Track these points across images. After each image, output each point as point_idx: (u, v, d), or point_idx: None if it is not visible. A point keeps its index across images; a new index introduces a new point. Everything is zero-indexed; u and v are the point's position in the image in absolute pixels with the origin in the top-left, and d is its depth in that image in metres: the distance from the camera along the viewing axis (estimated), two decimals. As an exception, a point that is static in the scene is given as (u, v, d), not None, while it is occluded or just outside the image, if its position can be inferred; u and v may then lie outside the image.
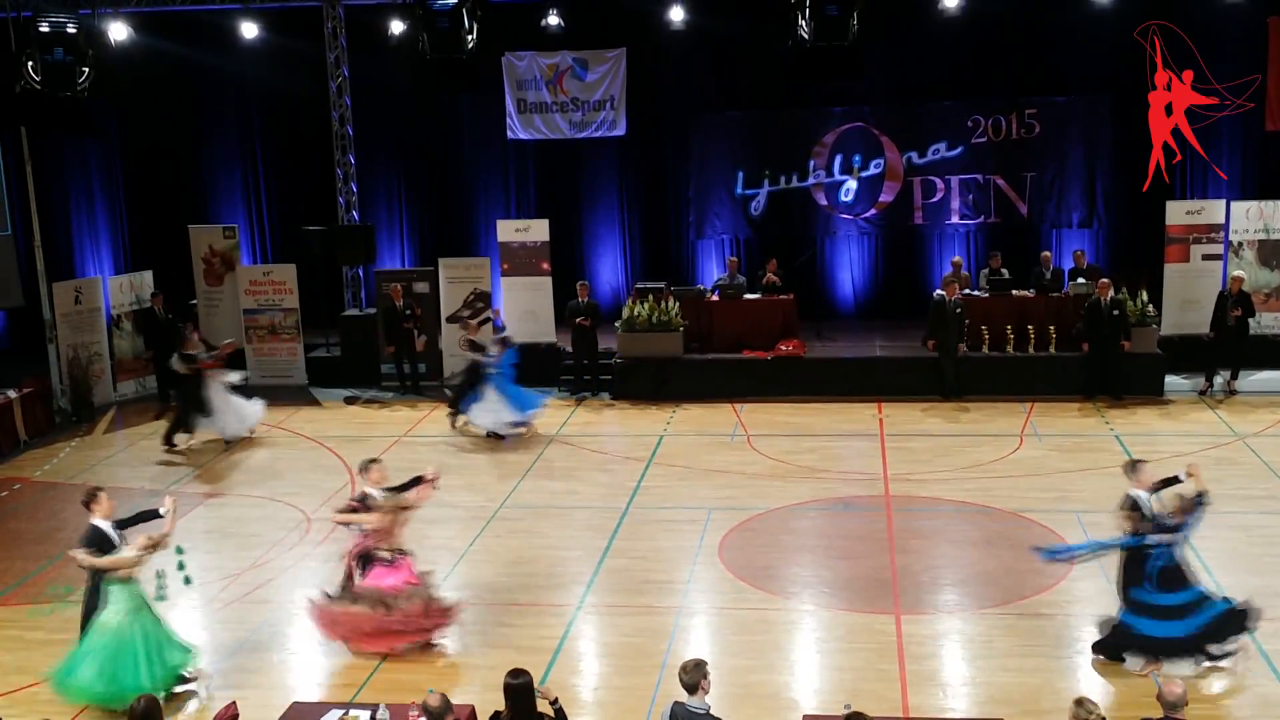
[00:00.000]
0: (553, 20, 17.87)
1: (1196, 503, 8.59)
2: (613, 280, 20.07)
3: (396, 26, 17.72)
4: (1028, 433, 14.63)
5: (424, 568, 9.67)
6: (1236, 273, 16.19)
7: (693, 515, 12.21)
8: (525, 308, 17.92)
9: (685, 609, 10.11)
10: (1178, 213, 17.12)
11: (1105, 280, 15.86)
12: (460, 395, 15.60)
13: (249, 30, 18.23)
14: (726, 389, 16.63)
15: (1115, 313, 15.60)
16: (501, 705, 6.68)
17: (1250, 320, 15.86)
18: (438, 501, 11.07)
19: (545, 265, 17.98)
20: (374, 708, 7.34)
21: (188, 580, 9.14)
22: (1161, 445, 13.64)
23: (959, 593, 10.24)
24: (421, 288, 18.08)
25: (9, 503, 13.61)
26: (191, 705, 8.71)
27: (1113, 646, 8.76)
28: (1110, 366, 15.76)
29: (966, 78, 18.58)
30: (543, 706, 6.67)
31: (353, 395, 17.70)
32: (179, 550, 8.99)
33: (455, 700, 6.81)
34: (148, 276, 18.66)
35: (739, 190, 19.43)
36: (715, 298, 17.48)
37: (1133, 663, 8.70)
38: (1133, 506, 8.86)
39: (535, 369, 17.43)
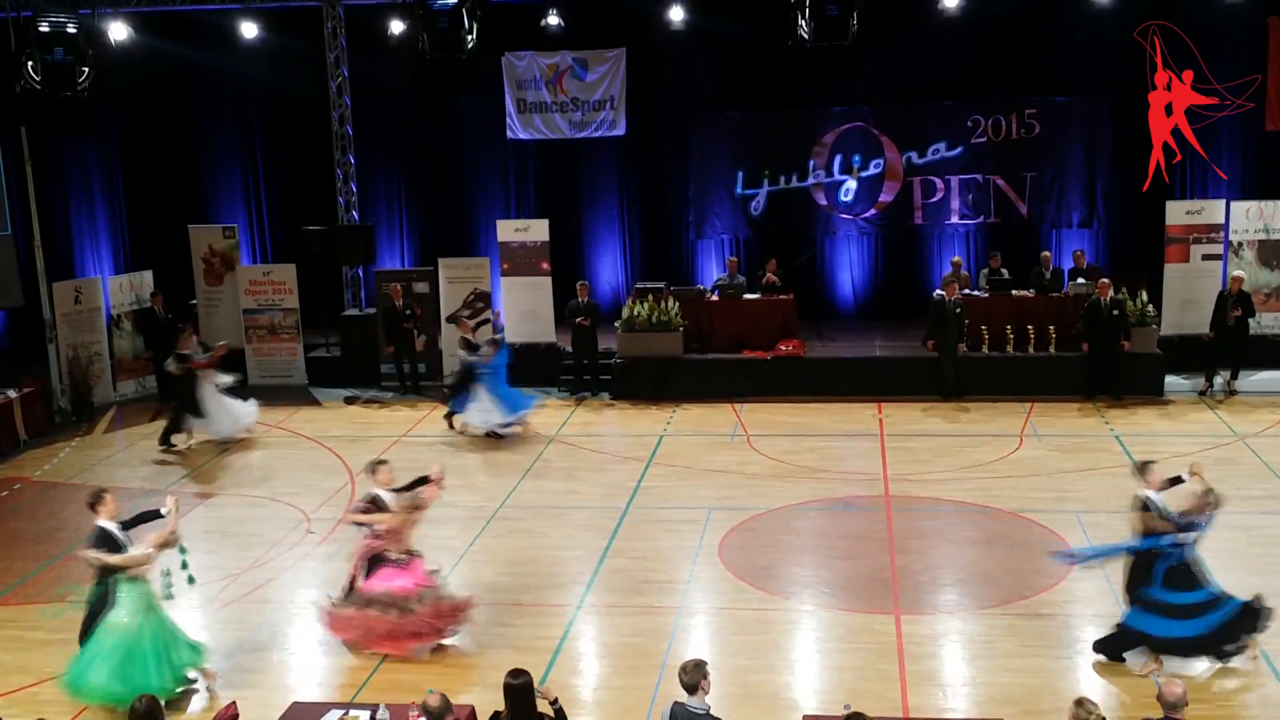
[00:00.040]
0: (553, 20, 17.87)
1: (1212, 501, 8.60)
2: (613, 280, 20.07)
3: (396, 26, 17.72)
4: (1028, 433, 14.63)
5: (429, 568, 9.67)
6: (1236, 273, 16.20)
7: (693, 515, 12.21)
8: (525, 308, 17.92)
9: (685, 609, 10.11)
10: (1178, 213, 17.12)
11: (1105, 280, 15.85)
12: (454, 395, 15.62)
13: (249, 30, 18.23)
14: (726, 389, 16.63)
15: (1115, 313, 15.61)
16: (501, 705, 6.68)
17: (1250, 320, 15.86)
18: (438, 501, 11.05)
19: (545, 265, 17.98)
20: (374, 708, 7.34)
21: (191, 579, 9.16)
22: (1161, 445, 13.64)
23: (959, 593, 10.24)
24: (421, 288, 18.08)
25: (9, 503, 13.61)
26: (194, 704, 8.71)
27: (1116, 646, 8.75)
28: (1110, 366, 15.76)
29: (966, 78, 18.58)
30: (543, 706, 6.67)
31: (353, 395, 17.70)
32: (182, 550, 9.01)
33: (455, 700, 6.81)
34: (148, 276, 18.66)
35: (739, 190, 19.43)
36: (715, 298, 17.48)
37: (1133, 662, 8.70)
38: (1144, 507, 8.86)
39: (535, 369, 17.49)
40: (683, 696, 6.59)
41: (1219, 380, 16.10)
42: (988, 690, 8.58)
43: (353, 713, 7.42)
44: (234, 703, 7.47)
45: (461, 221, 20.17)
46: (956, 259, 17.56)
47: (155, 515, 9.16)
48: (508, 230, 18.22)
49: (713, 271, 19.44)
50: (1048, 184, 18.71)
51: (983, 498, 12.41)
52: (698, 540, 11.53)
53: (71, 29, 14.32)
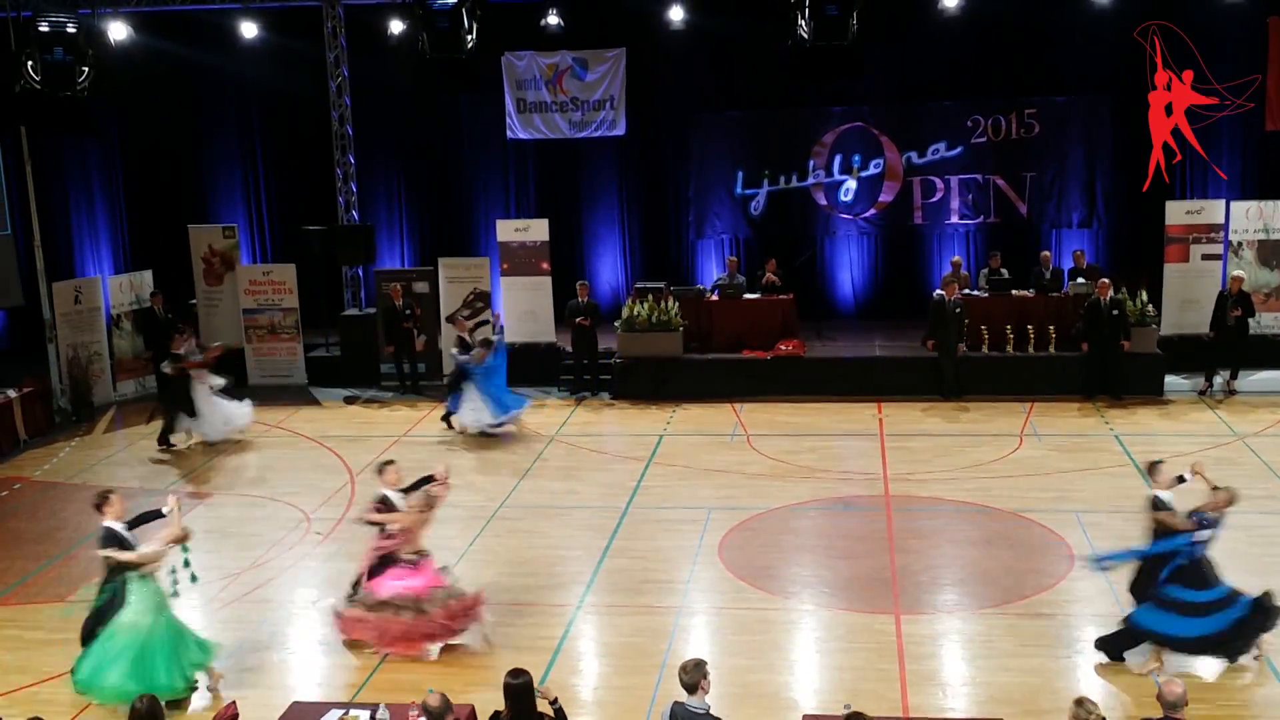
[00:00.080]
0: (552, 20, 17.87)
1: (1228, 498, 8.60)
2: (612, 280, 20.07)
3: (396, 26, 17.72)
4: (1027, 433, 14.63)
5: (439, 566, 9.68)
6: (1236, 273, 16.20)
7: (692, 515, 12.21)
8: (525, 307, 17.93)
9: (685, 609, 10.11)
10: (1178, 213, 17.12)
11: (1105, 280, 15.86)
12: (448, 395, 15.64)
13: (249, 30, 18.23)
14: (726, 389, 16.63)
15: (1115, 313, 15.61)
16: (501, 705, 6.68)
17: (1250, 320, 15.87)
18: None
19: (545, 265, 17.98)
20: (374, 708, 7.34)
21: (194, 578, 9.17)
22: (1161, 445, 13.62)
23: (959, 593, 10.24)
24: (421, 288, 18.08)
25: (9, 502, 13.61)
26: (195, 704, 8.72)
27: (1122, 643, 8.72)
28: (1110, 366, 15.76)
29: (966, 78, 18.58)
30: (542, 706, 6.67)
31: (352, 395, 17.70)
32: (184, 548, 9.02)
33: (455, 700, 6.81)
34: (147, 276, 18.66)
35: (739, 190, 19.43)
36: (715, 297, 17.48)
37: (1133, 662, 8.70)
38: (1157, 506, 8.86)
39: (535, 369, 17.49)
40: (683, 696, 6.59)
41: (1219, 380, 16.10)
42: (988, 690, 8.58)
43: (353, 713, 7.42)
44: (234, 702, 7.48)
45: (461, 221, 20.17)
46: (956, 259, 17.56)
47: (157, 515, 9.18)
48: (508, 230, 18.22)
49: (713, 271, 19.43)
50: (1048, 184, 18.71)
51: (983, 498, 12.41)
52: (698, 540, 11.53)
53: (71, 29, 14.31)
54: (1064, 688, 8.40)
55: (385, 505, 9.61)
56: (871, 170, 19.06)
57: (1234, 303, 15.73)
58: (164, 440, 15.23)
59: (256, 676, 9.10)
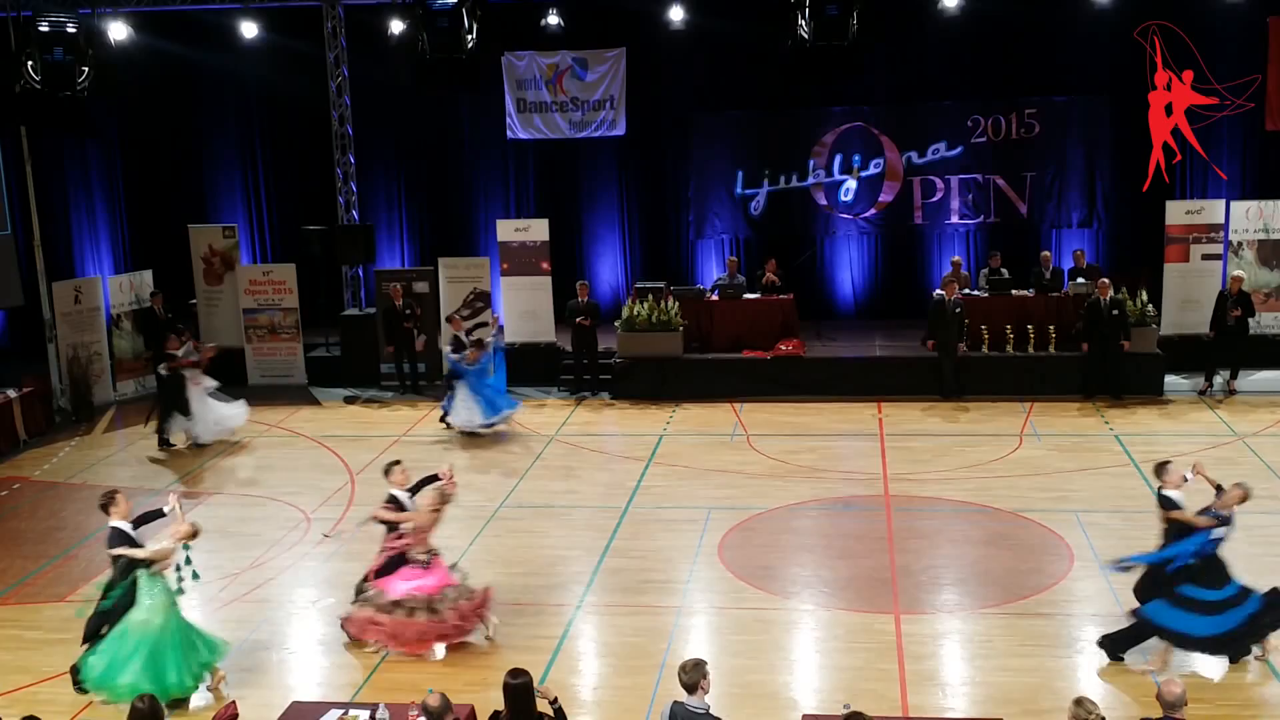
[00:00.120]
0: (552, 20, 17.87)
1: (1242, 494, 8.60)
2: (612, 280, 20.07)
3: (396, 26, 17.71)
4: (1027, 433, 14.63)
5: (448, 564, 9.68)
6: (1236, 273, 16.20)
7: (692, 515, 12.21)
8: (525, 307, 17.93)
9: (685, 609, 10.11)
10: (1177, 213, 17.12)
11: (1105, 280, 15.86)
12: (443, 395, 15.64)
13: (249, 30, 18.22)
14: (726, 389, 16.63)
15: (1115, 313, 15.61)
16: (501, 705, 6.69)
17: (1250, 320, 15.87)
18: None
19: (545, 265, 17.98)
20: (374, 707, 7.34)
21: (196, 575, 9.17)
22: (1161, 445, 13.63)
23: (959, 592, 10.24)
24: (421, 287, 18.08)
25: (9, 502, 13.61)
26: (196, 703, 8.72)
27: (1129, 640, 8.71)
28: (1110, 366, 15.76)
29: (966, 78, 18.58)
30: (542, 706, 6.68)
31: (352, 395, 17.70)
32: (185, 547, 9.02)
33: (455, 700, 6.81)
34: (147, 276, 18.65)
35: (739, 190, 19.43)
36: (715, 298, 17.48)
37: (1133, 662, 8.70)
38: (1168, 506, 8.86)
39: (535, 369, 17.49)
40: (682, 696, 6.59)
41: (1219, 380, 16.10)
42: (987, 690, 8.58)
43: (352, 712, 7.42)
44: (234, 702, 7.49)
45: (461, 221, 20.17)
46: (956, 259, 17.56)
47: (158, 515, 9.19)
48: (507, 230, 18.22)
49: (713, 271, 19.43)
50: (1048, 184, 18.70)
51: (983, 497, 12.41)
52: (697, 540, 11.53)
53: (71, 29, 14.31)
54: (1064, 688, 8.40)
55: (395, 505, 9.61)
56: (871, 170, 19.05)
57: (1234, 303, 15.73)
58: (163, 440, 15.22)
59: (256, 676, 9.11)
